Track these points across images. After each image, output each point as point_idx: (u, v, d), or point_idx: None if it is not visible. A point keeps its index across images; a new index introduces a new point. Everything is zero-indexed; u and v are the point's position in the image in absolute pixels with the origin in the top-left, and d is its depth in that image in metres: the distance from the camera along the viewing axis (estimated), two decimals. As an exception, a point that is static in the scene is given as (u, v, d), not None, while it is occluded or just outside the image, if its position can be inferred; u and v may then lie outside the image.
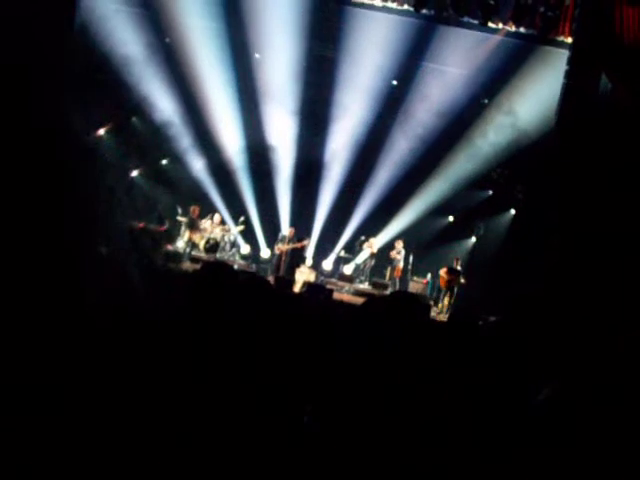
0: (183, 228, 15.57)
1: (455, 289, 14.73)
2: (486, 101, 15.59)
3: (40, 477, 2.18)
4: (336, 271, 16.25)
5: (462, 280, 14.68)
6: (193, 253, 15.27)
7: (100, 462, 2.29)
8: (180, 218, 15.76)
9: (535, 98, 14.41)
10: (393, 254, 15.61)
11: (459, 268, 14.98)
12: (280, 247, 15.50)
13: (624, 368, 2.65)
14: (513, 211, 15.92)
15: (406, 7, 14.05)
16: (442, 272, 14.97)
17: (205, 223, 15.65)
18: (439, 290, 15.30)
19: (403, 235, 16.10)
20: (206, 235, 15.56)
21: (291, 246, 15.41)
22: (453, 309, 14.17)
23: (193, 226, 15.46)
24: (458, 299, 14.63)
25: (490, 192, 16.32)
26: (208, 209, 16.17)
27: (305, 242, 15.61)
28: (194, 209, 15.68)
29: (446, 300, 14.82)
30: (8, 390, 2.22)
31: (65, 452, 2.23)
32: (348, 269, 16.01)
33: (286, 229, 16.21)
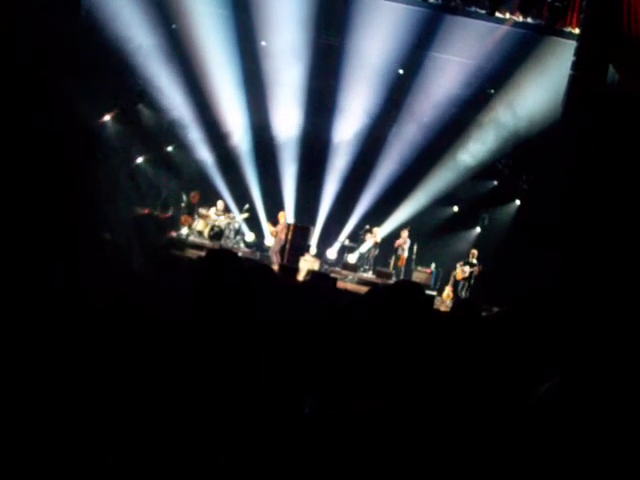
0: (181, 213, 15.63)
1: (472, 281, 14.78)
2: (492, 91, 15.54)
3: (40, 476, 2.18)
4: (340, 260, 16.25)
5: (477, 271, 14.71)
6: (197, 240, 15.24)
7: (101, 452, 2.30)
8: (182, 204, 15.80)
9: (541, 89, 14.36)
10: (399, 242, 15.60)
11: (474, 261, 14.98)
12: (276, 229, 15.49)
13: (626, 362, 2.65)
14: (518, 202, 15.88)
15: (413, -5, 14.04)
16: (459, 265, 15.01)
17: (209, 211, 15.66)
18: (443, 280, 15.35)
19: (407, 225, 16.08)
20: (210, 222, 15.58)
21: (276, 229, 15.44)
22: (461, 300, 14.16)
23: (189, 211, 15.49)
24: (473, 291, 14.70)
25: (495, 182, 16.28)
26: (213, 196, 16.17)
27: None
28: (194, 195, 15.71)
29: (450, 290, 14.85)
30: (8, 381, 2.22)
31: (63, 447, 2.23)
32: (352, 258, 16.01)
33: (290, 217, 16.23)
